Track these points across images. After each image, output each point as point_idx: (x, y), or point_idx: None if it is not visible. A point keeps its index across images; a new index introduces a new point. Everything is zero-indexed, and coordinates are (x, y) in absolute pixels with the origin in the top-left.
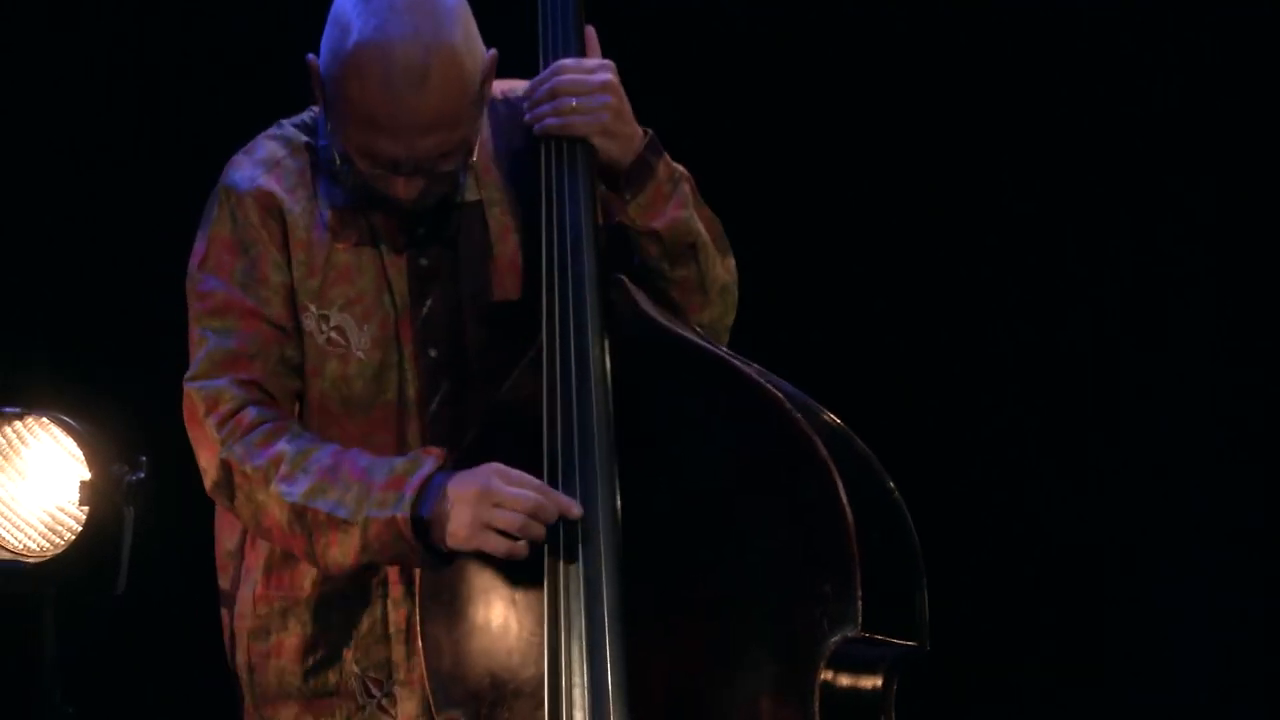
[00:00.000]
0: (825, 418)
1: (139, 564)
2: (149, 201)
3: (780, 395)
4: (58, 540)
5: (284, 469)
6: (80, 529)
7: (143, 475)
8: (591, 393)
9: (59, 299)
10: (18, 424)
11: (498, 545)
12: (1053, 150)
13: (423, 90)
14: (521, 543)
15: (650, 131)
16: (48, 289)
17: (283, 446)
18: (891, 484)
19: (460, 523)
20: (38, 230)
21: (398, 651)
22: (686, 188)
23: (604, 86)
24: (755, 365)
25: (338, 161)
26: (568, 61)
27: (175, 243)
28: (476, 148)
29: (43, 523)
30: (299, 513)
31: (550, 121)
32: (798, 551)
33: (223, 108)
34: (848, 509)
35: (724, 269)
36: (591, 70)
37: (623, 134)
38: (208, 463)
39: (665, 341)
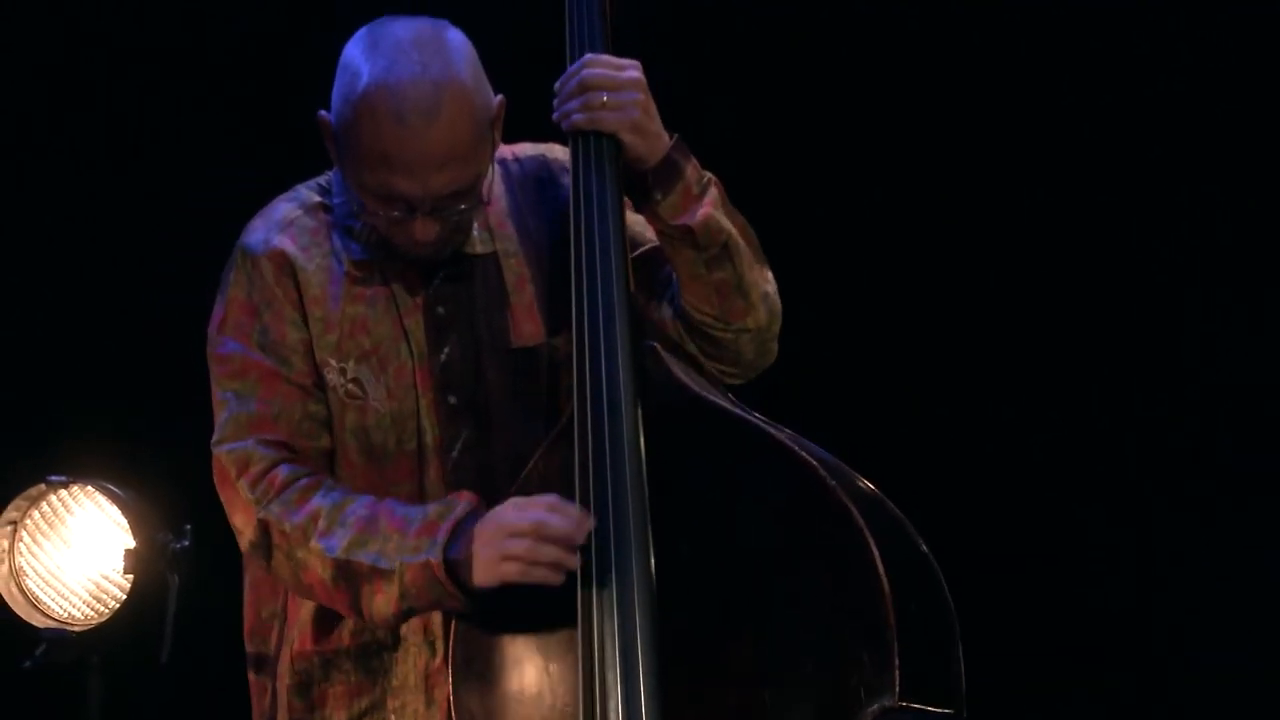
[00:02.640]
0: (859, 483)
1: (183, 631)
2: (193, 271)
3: (815, 463)
4: (102, 609)
5: (321, 524)
6: (125, 597)
7: (187, 543)
8: (625, 461)
9: (103, 368)
10: (63, 492)
11: (515, 572)
12: (1104, 179)
13: (434, 124)
14: (539, 568)
15: (676, 135)
16: (92, 357)
17: (318, 502)
18: (925, 549)
19: (480, 558)
20: (82, 299)
21: (422, 700)
22: (715, 191)
23: (633, 83)
24: (787, 431)
25: (354, 207)
26: (597, 56)
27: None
28: (489, 204)
29: (88, 591)
30: (342, 566)
31: (578, 117)
32: (835, 620)
33: (260, 179)
34: (884, 578)
35: (762, 277)
36: (621, 67)
37: (650, 131)
38: (243, 523)
39: (699, 409)
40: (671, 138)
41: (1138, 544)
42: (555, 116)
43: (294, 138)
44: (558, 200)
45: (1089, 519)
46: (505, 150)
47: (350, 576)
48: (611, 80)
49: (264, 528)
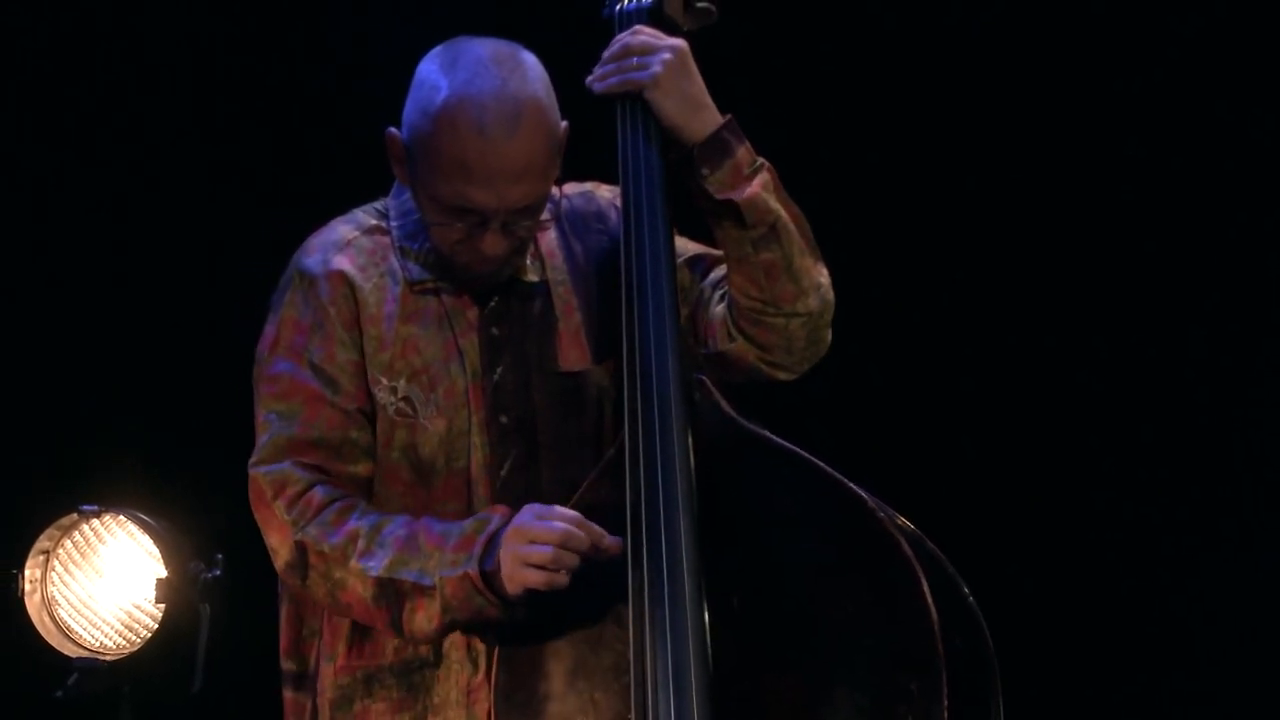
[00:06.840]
0: (899, 520)
1: (215, 660)
2: (226, 302)
3: (863, 495)
4: (134, 638)
5: (361, 544)
6: (156, 627)
7: (219, 573)
8: (677, 489)
9: (135, 397)
10: (95, 522)
11: (536, 579)
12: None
13: (515, 137)
14: (560, 574)
15: (730, 115)
16: (124, 386)
17: (355, 523)
18: (966, 589)
19: (504, 564)
20: (115, 328)
21: (464, 716)
22: (767, 176)
23: (669, 47)
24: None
25: (425, 221)
26: (642, 27)
27: (253, 342)
28: (540, 236)
29: (119, 620)
30: (384, 585)
31: (613, 80)
32: (884, 650)
33: (305, 205)
34: (932, 608)
35: (815, 269)
36: (663, 37)
37: (680, 94)
38: (279, 544)
39: (748, 440)
40: (725, 117)
41: (1148, 554)
42: (589, 79)
43: (342, 173)
44: (604, 235)
45: (1099, 528)
46: (554, 190)
47: (392, 595)
48: (649, 46)
49: (301, 549)
